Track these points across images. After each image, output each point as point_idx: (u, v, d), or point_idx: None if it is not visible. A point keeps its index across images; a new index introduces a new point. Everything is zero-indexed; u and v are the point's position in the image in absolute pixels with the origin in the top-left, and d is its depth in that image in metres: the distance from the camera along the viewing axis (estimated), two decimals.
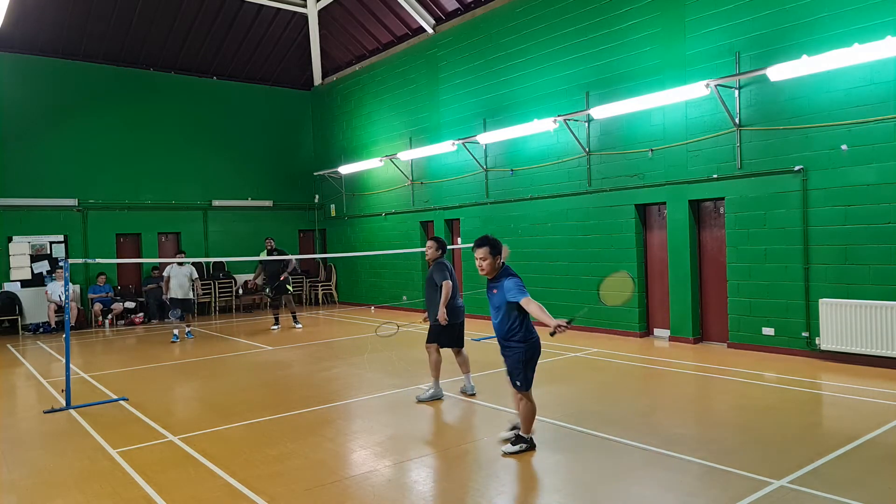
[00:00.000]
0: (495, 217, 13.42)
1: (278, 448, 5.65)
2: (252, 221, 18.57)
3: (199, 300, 16.83)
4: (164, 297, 12.54)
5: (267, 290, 13.62)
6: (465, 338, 7.40)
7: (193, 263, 16.90)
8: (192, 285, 12.43)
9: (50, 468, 5.39)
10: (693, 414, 6.46)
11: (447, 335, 7.18)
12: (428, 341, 7.25)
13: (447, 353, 7.39)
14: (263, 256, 13.52)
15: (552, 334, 4.89)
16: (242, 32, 17.52)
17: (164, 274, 12.43)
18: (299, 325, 13.75)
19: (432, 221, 15.40)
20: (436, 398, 7.16)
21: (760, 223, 9.13)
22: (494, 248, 5.22)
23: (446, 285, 7.04)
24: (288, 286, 13.60)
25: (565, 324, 4.81)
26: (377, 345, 11.00)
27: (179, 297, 12.23)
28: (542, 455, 5.28)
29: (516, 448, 5.23)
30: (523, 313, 5.22)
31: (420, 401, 7.12)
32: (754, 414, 6.20)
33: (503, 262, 5.36)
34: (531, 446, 5.33)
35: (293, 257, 14.10)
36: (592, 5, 11.24)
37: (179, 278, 12.16)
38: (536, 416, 5.42)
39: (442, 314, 7.01)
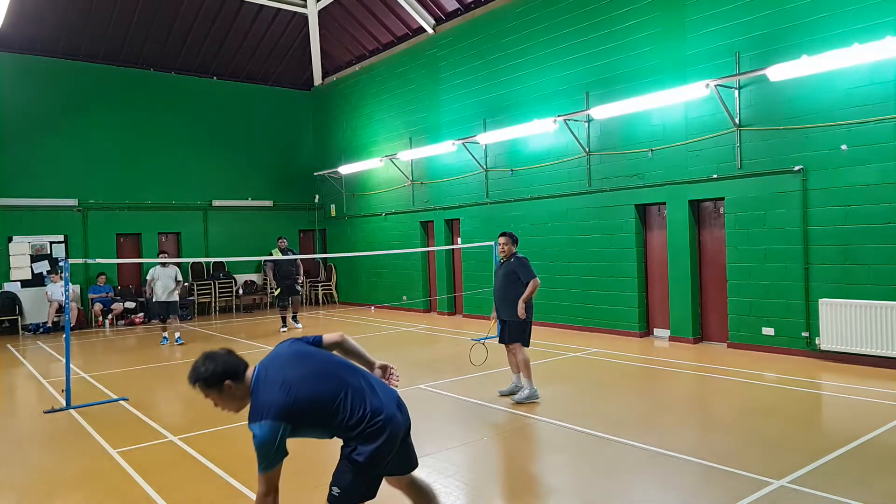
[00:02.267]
0: (495, 217, 13.42)
1: None
2: (252, 221, 18.56)
3: (198, 300, 16.94)
4: (146, 299, 12.10)
5: (280, 290, 13.46)
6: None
7: (193, 264, 17.01)
8: (177, 287, 11.92)
9: (50, 468, 5.40)
10: (693, 414, 6.46)
11: (517, 332, 6.94)
12: (517, 341, 6.99)
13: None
14: (277, 256, 13.35)
15: None
16: (242, 32, 17.51)
17: (149, 277, 11.89)
18: (299, 325, 13.75)
19: (432, 221, 15.40)
20: (532, 399, 6.86)
21: (760, 223, 9.14)
22: None
23: (535, 283, 6.81)
24: (299, 287, 13.67)
25: None
26: (377, 345, 11.01)
27: (163, 300, 11.76)
28: (543, 455, 5.28)
29: None
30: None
31: (517, 402, 6.82)
32: (754, 414, 6.20)
33: None
34: None
35: (301, 257, 14.03)
36: (592, 5, 11.24)
37: (164, 280, 11.69)
38: (538, 417, 5.41)
39: (521, 308, 6.76)
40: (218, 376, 3.00)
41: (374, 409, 3.01)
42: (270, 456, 2.88)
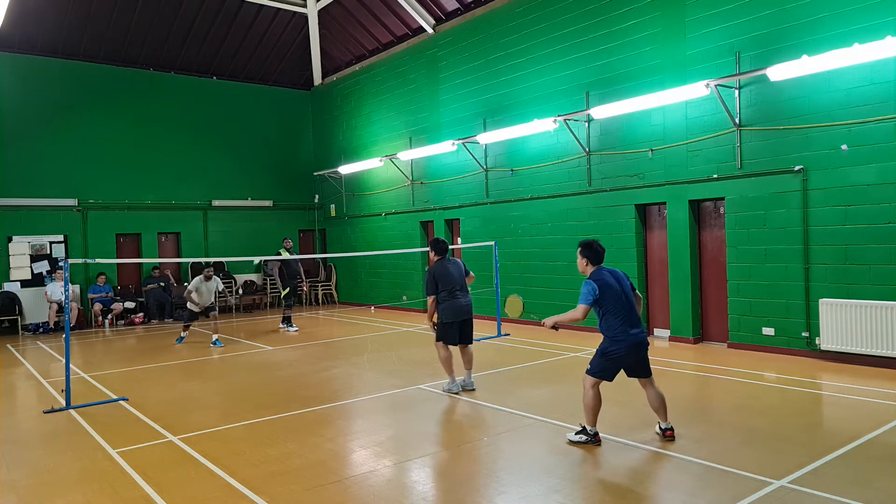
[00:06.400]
0: (495, 217, 13.42)
1: (278, 448, 5.65)
2: (252, 221, 18.57)
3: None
4: (190, 306, 12.07)
5: (287, 290, 13.38)
6: (472, 336, 7.65)
7: (193, 264, 16.99)
8: (219, 295, 12.35)
9: (50, 468, 5.39)
10: (693, 414, 6.46)
11: (451, 333, 7.40)
12: (435, 339, 7.54)
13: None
14: (284, 256, 13.26)
15: None
16: (242, 32, 17.51)
17: (191, 287, 11.85)
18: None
19: (432, 221, 15.40)
20: (452, 392, 7.38)
21: (760, 223, 9.13)
22: None
23: (428, 300, 7.50)
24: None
25: None
26: (377, 345, 11.01)
27: (197, 311, 11.95)
28: (543, 455, 5.28)
29: None
30: None
31: (445, 390, 7.46)
32: (754, 414, 6.20)
33: None
34: None
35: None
36: (592, 5, 11.24)
37: (206, 294, 11.81)
38: (538, 417, 5.41)
39: (429, 324, 7.55)
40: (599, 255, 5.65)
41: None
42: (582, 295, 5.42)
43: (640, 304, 5.71)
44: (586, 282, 5.45)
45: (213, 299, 12.05)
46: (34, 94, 15.44)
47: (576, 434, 5.50)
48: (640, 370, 5.57)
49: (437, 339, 7.48)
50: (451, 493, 4.57)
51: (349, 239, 18.46)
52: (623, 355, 5.43)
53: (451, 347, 7.49)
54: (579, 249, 5.66)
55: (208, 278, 11.95)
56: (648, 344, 5.59)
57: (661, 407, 5.54)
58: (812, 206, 8.58)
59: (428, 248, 7.78)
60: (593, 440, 5.42)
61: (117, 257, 16.25)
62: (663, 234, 10.62)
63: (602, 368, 5.46)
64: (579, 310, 5.33)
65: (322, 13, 17.75)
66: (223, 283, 17.44)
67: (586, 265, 5.63)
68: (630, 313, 5.46)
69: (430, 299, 7.45)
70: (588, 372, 5.51)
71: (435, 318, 7.50)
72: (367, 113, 17.51)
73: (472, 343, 7.58)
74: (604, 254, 5.67)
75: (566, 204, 11.90)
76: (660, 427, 5.55)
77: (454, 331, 7.38)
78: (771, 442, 5.34)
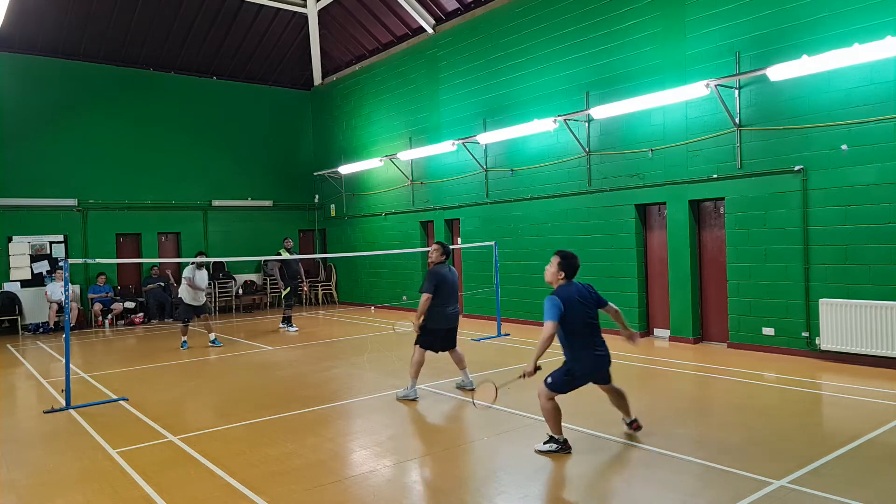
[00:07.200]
0: (495, 217, 13.42)
1: (278, 448, 5.65)
2: (252, 221, 18.57)
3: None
4: (186, 299, 11.66)
5: (287, 290, 13.41)
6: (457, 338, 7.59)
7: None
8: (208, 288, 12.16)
9: (50, 468, 5.40)
10: (693, 414, 6.46)
11: (433, 340, 7.31)
12: (415, 341, 7.41)
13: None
14: (284, 256, 13.24)
15: None
16: (242, 32, 17.52)
17: (186, 273, 11.41)
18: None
19: (432, 221, 15.40)
20: (409, 398, 7.24)
21: (760, 223, 9.13)
22: None
23: (423, 297, 7.20)
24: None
25: None
26: (377, 345, 11.01)
27: (195, 305, 11.57)
28: (542, 455, 5.28)
29: None
30: None
31: (398, 398, 7.27)
32: (754, 414, 6.20)
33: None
34: None
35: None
36: (592, 5, 11.24)
37: (200, 286, 11.43)
38: (538, 417, 5.37)
39: (415, 325, 7.31)
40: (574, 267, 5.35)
41: None
42: (547, 310, 5.15)
43: (620, 316, 5.55)
44: (550, 297, 5.17)
45: (203, 298, 11.60)
46: (34, 94, 15.44)
47: (544, 444, 5.28)
48: (602, 381, 5.54)
49: (416, 343, 7.34)
50: (452, 493, 4.57)
51: (349, 239, 18.46)
52: (587, 374, 5.33)
53: (433, 354, 7.43)
54: (557, 259, 5.32)
55: (199, 266, 11.52)
56: (611, 361, 5.44)
57: (623, 405, 5.61)
58: (812, 206, 8.58)
59: (432, 248, 7.57)
60: (563, 448, 5.23)
61: (117, 257, 16.26)
62: (663, 234, 10.62)
63: (563, 384, 5.27)
64: (546, 328, 5.08)
65: (322, 13, 17.75)
66: (222, 283, 17.59)
67: (561, 278, 5.30)
68: (593, 333, 5.29)
69: (425, 296, 7.11)
70: (546, 384, 5.27)
71: (420, 321, 7.27)
72: (367, 113, 17.51)
73: (455, 346, 7.51)
74: (578, 269, 5.37)
75: (566, 204, 11.90)
76: (625, 422, 5.63)
77: (437, 338, 7.29)
78: (771, 442, 5.34)
